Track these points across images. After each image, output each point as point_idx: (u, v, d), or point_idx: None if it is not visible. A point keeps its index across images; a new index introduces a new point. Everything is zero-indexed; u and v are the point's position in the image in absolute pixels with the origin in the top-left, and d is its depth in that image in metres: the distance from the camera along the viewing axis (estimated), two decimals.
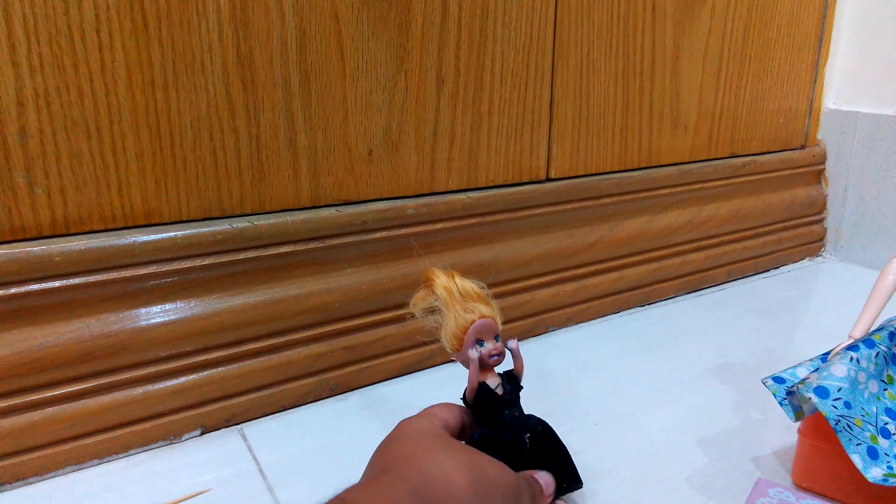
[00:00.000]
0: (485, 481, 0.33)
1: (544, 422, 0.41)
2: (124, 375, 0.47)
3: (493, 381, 0.40)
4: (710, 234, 0.81)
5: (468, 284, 0.41)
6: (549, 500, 0.38)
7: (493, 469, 0.35)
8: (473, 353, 0.39)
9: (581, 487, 0.41)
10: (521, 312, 0.66)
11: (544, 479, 0.38)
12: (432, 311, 0.42)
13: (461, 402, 0.42)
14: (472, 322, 0.39)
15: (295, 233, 0.52)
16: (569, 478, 0.40)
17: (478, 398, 0.40)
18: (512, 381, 0.41)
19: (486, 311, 0.40)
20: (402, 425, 0.38)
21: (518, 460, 0.38)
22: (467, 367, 0.40)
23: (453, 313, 0.40)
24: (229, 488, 0.45)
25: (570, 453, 0.41)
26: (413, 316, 0.43)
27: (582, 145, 0.68)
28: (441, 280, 0.41)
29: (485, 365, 0.40)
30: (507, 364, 0.42)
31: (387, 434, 0.38)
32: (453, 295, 0.40)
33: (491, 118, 0.61)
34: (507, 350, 0.41)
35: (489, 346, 0.40)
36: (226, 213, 0.50)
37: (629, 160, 0.72)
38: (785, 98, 0.86)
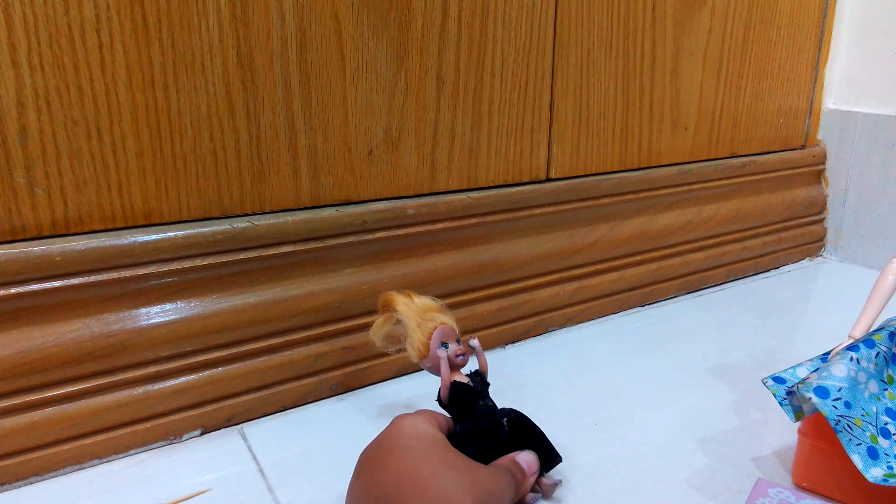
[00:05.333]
0: (488, 501, 0.34)
1: (516, 409, 0.44)
2: (124, 375, 0.47)
3: (462, 380, 0.43)
4: (710, 234, 0.81)
5: (426, 300, 0.46)
6: (535, 478, 0.40)
7: (491, 483, 0.36)
8: (442, 352, 0.43)
9: (561, 462, 0.43)
10: (521, 312, 0.66)
11: (527, 458, 0.40)
12: (393, 338, 0.46)
13: (437, 407, 0.44)
14: (435, 328, 0.44)
15: (295, 233, 0.52)
16: (548, 454, 0.43)
17: (452, 395, 0.43)
18: (480, 377, 0.44)
19: (445, 320, 0.45)
20: (399, 428, 0.38)
21: (499, 444, 0.41)
22: (436, 371, 0.43)
23: (416, 324, 0.44)
24: (229, 488, 0.45)
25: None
26: (373, 344, 0.47)
27: (582, 145, 0.68)
28: (401, 299, 0.45)
29: (452, 366, 0.43)
30: (471, 366, 0.45)
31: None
32: (413, 310, 0.45)
33: (491, 118, 0.61)
34: (471, 347, 0.45)
35: (454, 346, 0.44)
36: (226, 213, 0.50)
37: (629, 160, 0.72)
38: (785, 98, 0.86)
